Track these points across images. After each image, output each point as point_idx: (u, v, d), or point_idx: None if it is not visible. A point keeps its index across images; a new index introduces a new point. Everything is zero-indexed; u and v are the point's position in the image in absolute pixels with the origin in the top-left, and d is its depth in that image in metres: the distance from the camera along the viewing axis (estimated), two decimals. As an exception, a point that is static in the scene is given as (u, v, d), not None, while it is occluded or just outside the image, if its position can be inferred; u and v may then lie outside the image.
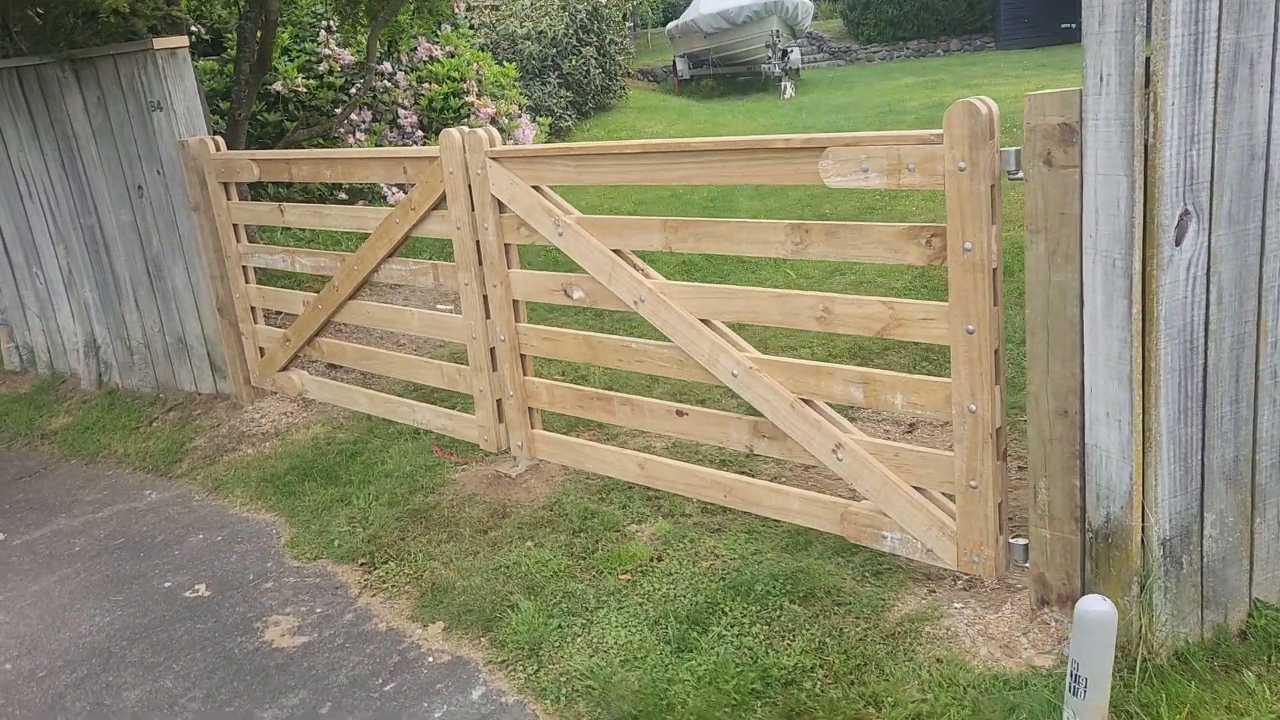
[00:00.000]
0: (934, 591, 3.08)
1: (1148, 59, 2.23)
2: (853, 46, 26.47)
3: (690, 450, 4.28)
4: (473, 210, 3.96)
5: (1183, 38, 2.22)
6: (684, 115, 14.50)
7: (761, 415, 3.28)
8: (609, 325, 6.01)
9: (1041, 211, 2.50)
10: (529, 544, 3.76)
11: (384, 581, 3.70)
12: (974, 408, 2.76)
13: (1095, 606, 2.26)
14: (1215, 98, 2.29)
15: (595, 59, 13.01)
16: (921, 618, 2.94)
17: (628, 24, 14.77)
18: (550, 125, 11.26)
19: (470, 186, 3.92)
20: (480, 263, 4.02)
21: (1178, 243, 2.34)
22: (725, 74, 19.97)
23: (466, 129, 3.89)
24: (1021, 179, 2.58)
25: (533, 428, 4.17)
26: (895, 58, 26.13)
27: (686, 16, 20.06)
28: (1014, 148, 2.59)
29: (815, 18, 22.35)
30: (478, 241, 4.00)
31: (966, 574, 3.06)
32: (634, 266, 3.52)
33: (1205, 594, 2.60)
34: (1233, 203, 2.38)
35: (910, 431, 4.28)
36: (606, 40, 13.40)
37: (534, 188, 3.71)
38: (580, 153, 3.49)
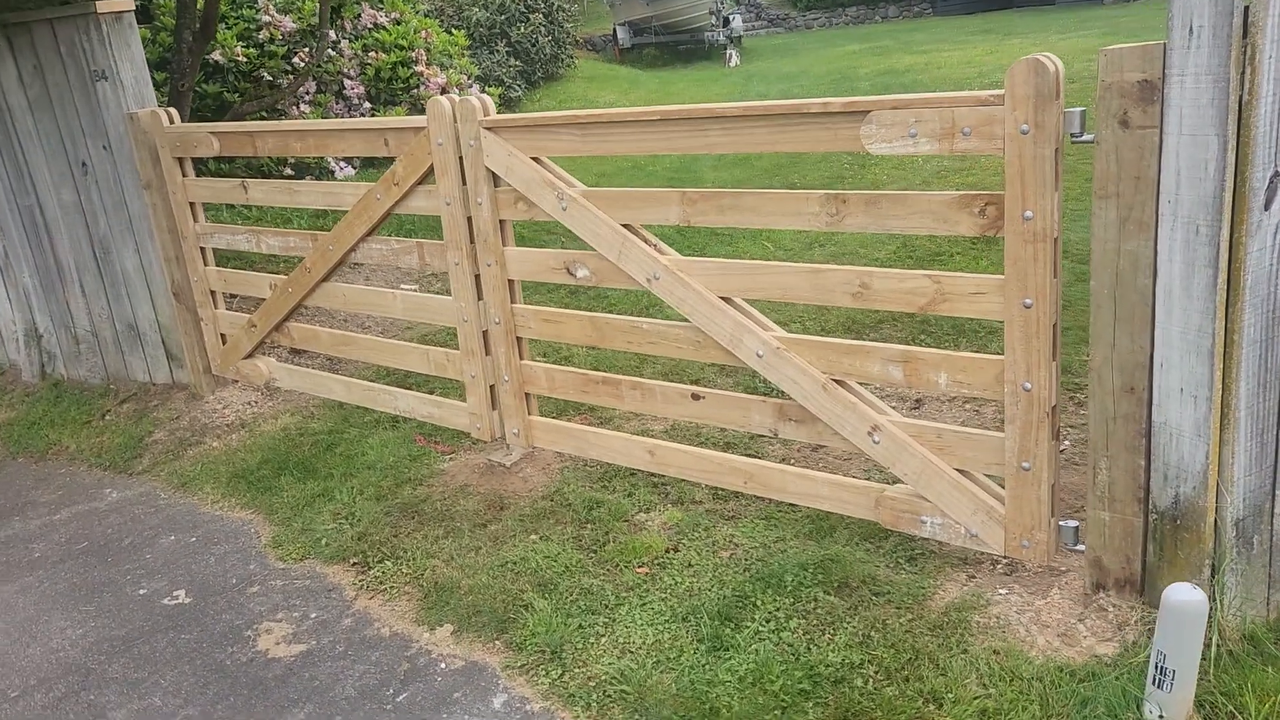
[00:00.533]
0: (974, 578, 2.94)
1: (1246, 8, 2.07)
2: (791, 14, 26.35)
3: (689, 434, 4.09)
4: (464, 184, 3.70)
5: (1280, -14, 2.06)
6: (635, 84, 14.22)
7: (788, 397, 3.10)
8: (608, 309, 5.79)
9: (1114, 175, 2.34)
10: (534, 537, 3.55)
11: (381, 582, 3.46)
12: (1029, 385, 2.62)
13: (1186, 595, 2.13)
14: (1308, 52, 2.14)
15: (544, 26, 12.65)
16: (967, 606, 2.80)
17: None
18: (500, 96, 10.90)
19: (462, 159, 3.65)
20: (472, 240, 3.77)
21: (1266, 207, 2.20)
22: (667, 42, 19.68)
23: (456, 97, 3.62)
24: (1086, 141, 2.42)
25: (530, 414, 3.94)
26: (835, 24, 26.08)
27: (628, -17, 19.70)
28: (1078, 108, 2.43)
29: (756, -15, 22.13)
30: (469, 218, 3.74)
31: (1009, 558, 2.93)
32: (646, 242, 3.30)
33: (1273, 573, 2.50)
34: (1317, 164, 2.24)
35: (917, 409, 4.15)
36: (555, 7, 13.04)
37: (533, 159, 3.47)
38: (588, 121, 3.25)
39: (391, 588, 3.42)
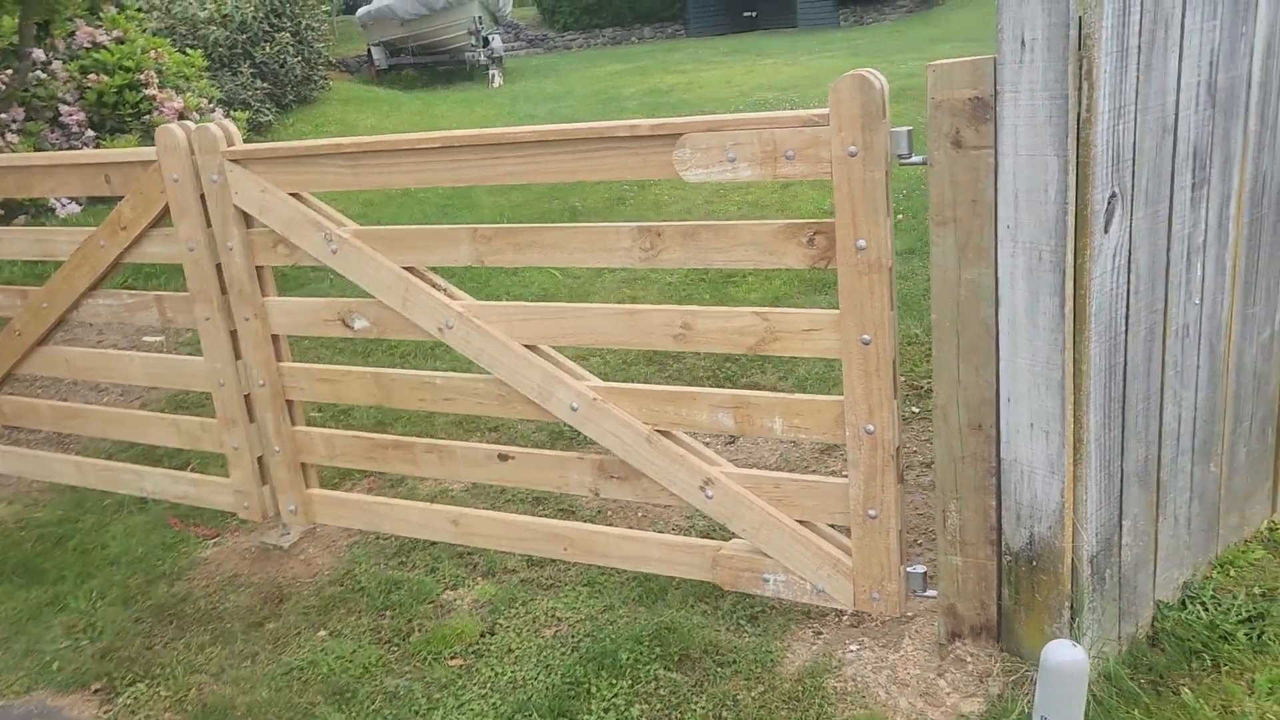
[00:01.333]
0: (821, 633, 2.73)
1: (1080, 19, 1.95)
2: (549, 34, 26.34)
3: (492, 495, 3.69)
4: (209, 226, 3.15)
5: (1113, -4, 1.95)
6: (396, 107, 13.56)
7: (610, 453, 2.79)
8: (402, 361, 5.27)
9: (950, 200, 2.18)
10: (323, 634, 3.04)
11: (134, 712, 2.85)
12: (871, 428, 2.42)
13: (1067, 655, 1.97)
14: (1139, 64, 2.05)
15: (292, 46, 11.80)
16: (820, 670, 2.57)
17: (325, 8, 13.55)
18: (248, 120, 10.04)
19: (204, 196, 3.10)
20: (224, 291, 3.22)
21: (1106, 229, 2.09)
22: (426, 63, 19.05)
23: (193, 124, 3.08)
24: (916, 163, 2.25)
25: (308, 487, 3.42)
26: (593, 45, 26.29)
27: (380, 2, 18.92)
28: (905, 127, 2.25)
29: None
30: (219, 265, 3.19)
31: (860, 612, 2.73)
32: (434, 286, 2.89)
33: (1122, 607, 2.42)
34: (1149, 182, 2.17)
35: (731, 444, 3.94)
36: (303, 26, 12.20)
37: (294, 195, 2.98)
38: (359, 150, 2.81)
39: (148, 717, 2.82)
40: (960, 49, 14.47)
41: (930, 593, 2.56)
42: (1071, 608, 2.29)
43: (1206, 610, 2.53)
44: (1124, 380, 2.24)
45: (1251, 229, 2.52)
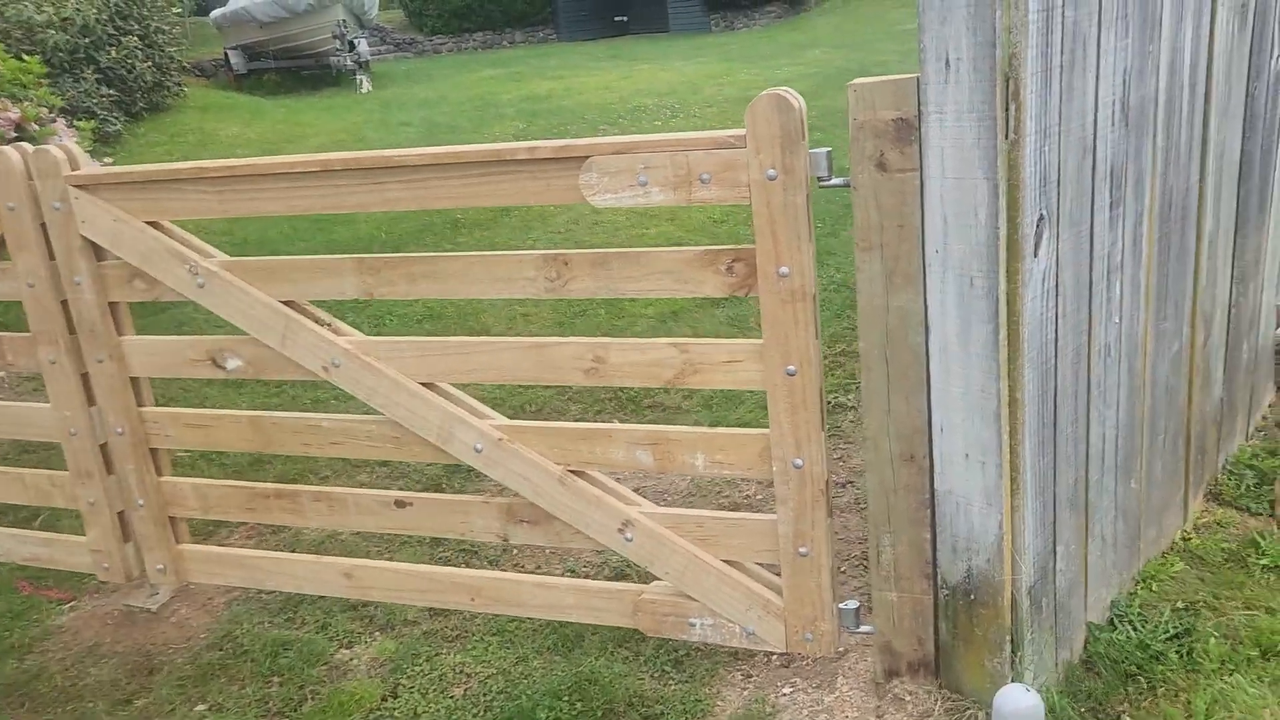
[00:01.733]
0: (750, 676, 2.60)
1: (1005, 39, 1.86)
2: (417, 38, 25.76)
3: (387, 537, 3.44)
4: (52, 259, 2.81)
5: (1037, 13, 1.87)
6: (259, 114, 12.94)
7: (518, 495, 2.59)
8: (287, 402, 4.89)
9: (876, 224, 2.07)
10: (202, 708, 2.76)
11: (-18, 817, 2.51)
12: (800, 461, 2.30)
13: (1022, 701, 1.88)
14: (1061, 84, 1.99)
15: (141, 50, 11.09)
16: (754, 717, 2.44)
17: (176, 9, 12.80)
18: (94, 130, 9.36)
19: (45, 226, 2.77)
20: (73, 330, 2.88)
21: (1035, 253, 2.01)
22: (288, 67, 18.30)
23: (30, 146, 2.74)
24: (837, 186, 2.14)
25: (178, 542, 3.10)
26: (463, 49, 25.83)
27: (236, 4, 18.06)
28: (823, 149, 2.14)
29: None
30: (65, 302, 2.86)
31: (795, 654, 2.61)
32: (318, 321, 2.64)
33: (1058, 634, 2.36)
34: (1072, 203, 2.11)
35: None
36: (152, 29, 11.49)
37: (151, 224, 2.68)
38: (225, 174, 2.53)
39: (-1, 822, 2.49)
40: (829, 54, 14.73)
41: (865, 628, 2.45)
42: (1012, 641, 2.22)
43: (1135, 629, 2.51)
44: (1054, 405, 2.18)
45: (1161, 245, 2.51)
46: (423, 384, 2.59)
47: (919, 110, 1.97)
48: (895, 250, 2.08)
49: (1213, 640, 2.44)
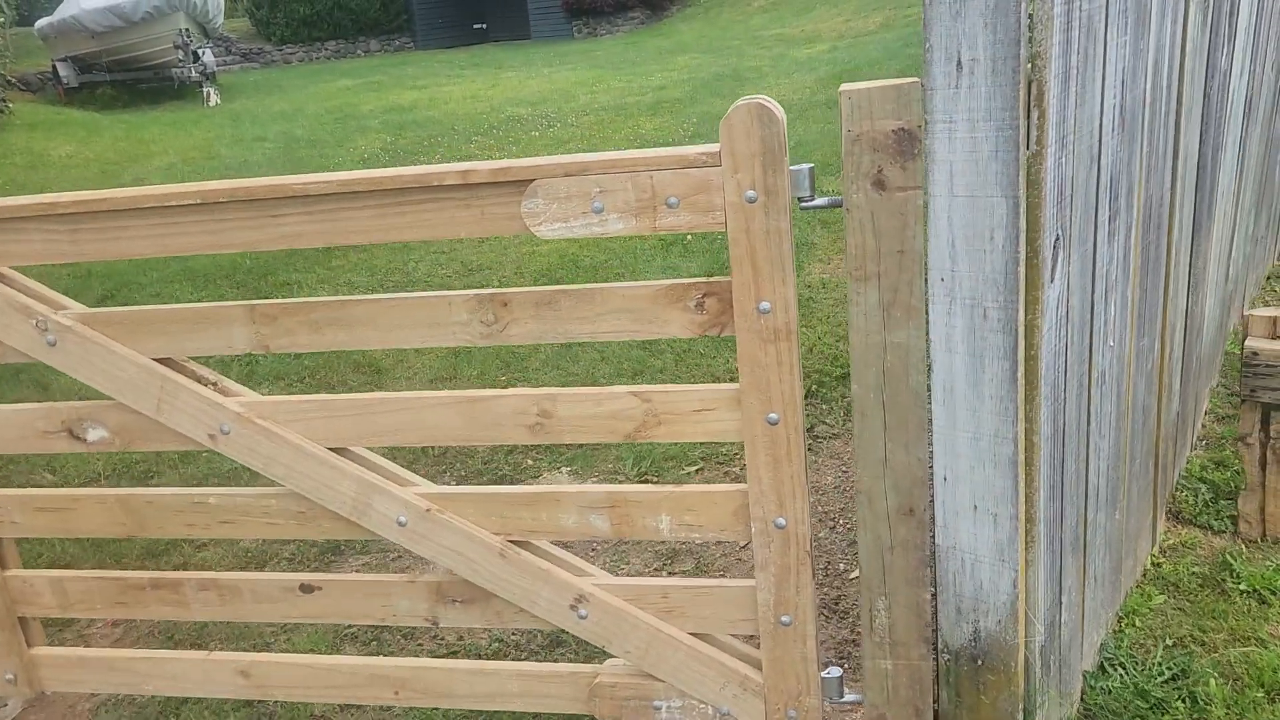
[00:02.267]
0: (724, 755, 2.31)
1: (1029, 35, 1.63)
2: (266, 48, 24.67)
3: (285, 633, 3.00)
4: None
5: (1061, 5, 1.65)
6: (95, 132, 11.95)
7: (451, 573, 2.23)
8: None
9: (873, 251, 1.81)
10: None
11: None
12: (783, 521, 2.02)
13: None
14: (1077, 87, 1.77)
15: (-44, 63, 10.06)
16: (734, 806, 2.15)
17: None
18: (-95, 151, 8.39)
19: None
20: (-114, 402, 2.36)
21: (1052, 278, 1.79)
22: (125, 80, 17.10)
23: None
24: (819, 207, 1.88)
25: (31, 646, 2.60)
26: (315, 59, 24.89)
27: (64, 12, 16.78)
28: (805, 165, 1.87)
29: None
30: (-125, 367, 2.33)
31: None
32: (201, 381, 2.22)
33: (1063, 690, 2.16)
34: (1081, 218, 1.90)
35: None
36: (-32, 39, 10.45)
37: (-17, 270, 2.21)
38: (77, 209, 2.08)
39: None
40: (699, 59, 14.68)
41: (850, 697, 2.19)
42: (1025, 710, 1.99)
43: (1128, 673, 2.33)
44: (1063, 444, 1.97)
45: (1144, 257, 2.35)
46: (332, 449, 2.20)
47: (924, 119, 1.72)
48: (894, 280, 1.82)
49: (1213, 682, 2.28)
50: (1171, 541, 2.83)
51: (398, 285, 6.06)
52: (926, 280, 1.81)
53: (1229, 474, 3.03)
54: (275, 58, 24.36)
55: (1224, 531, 2.85)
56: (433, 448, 4.01)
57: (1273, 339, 2.59)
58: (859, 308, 1.86)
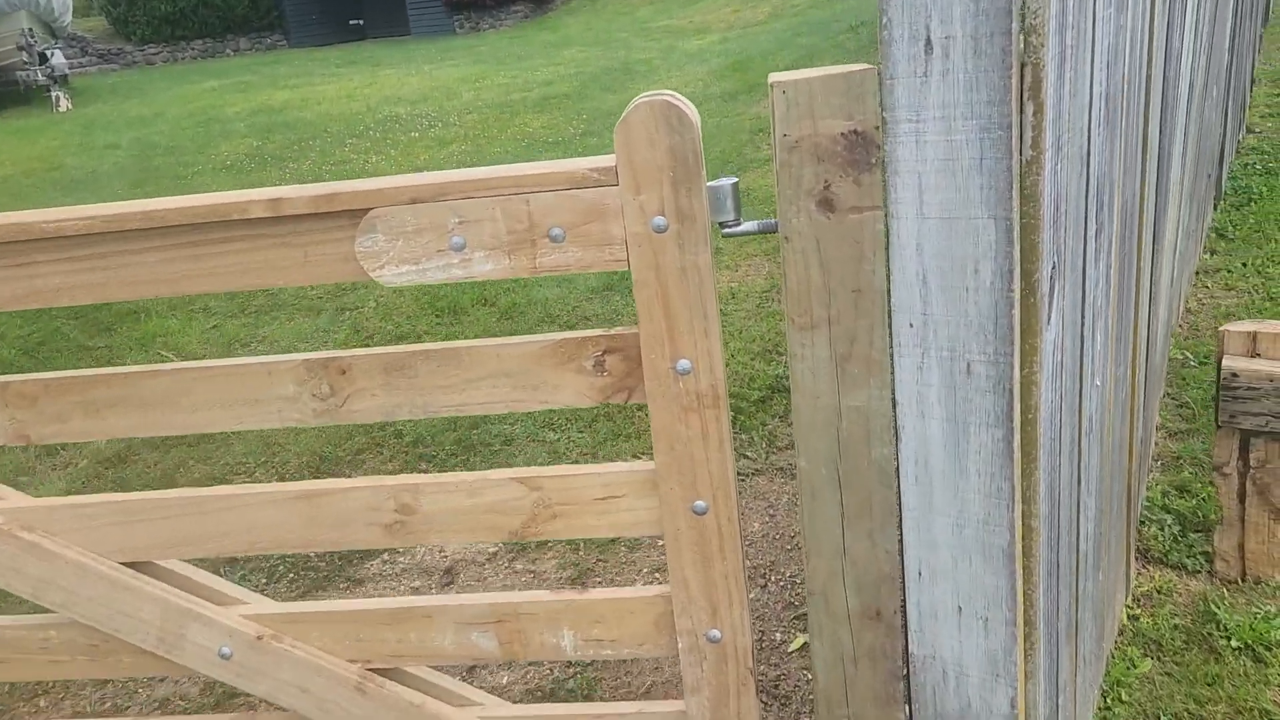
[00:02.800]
0: None
1: (1024, 6, 1.22)
2: (125, 48, 23.26)
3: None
4: None
5: (1055, -29, 1.25)
6: (-79, 143, 10.85)
7: (284, 711, 1.74)
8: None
9: (819, 290, 1.39)
10: None
11: None
12: (718, 633, 1.59)
13: None
14: (1071, 73, 1.38)
15: None
16: None
17: None
18: None
19: None
20: None
21: (1049, 319, 1.40)
22: (-36, 85, 15.76)
23: None
24: (748, 233, 1.45)
25: None
26: (180, 59, 23.62)
27: (-110, 12, 15.35)
28: (726, 180, 1.43)
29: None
30: None
31: None
32: (-60, 485, 1.67)
33: (1058, 800, 1.79)
34: (1072, 237, 1.52)
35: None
36: None
37: None
38: None
39: None
40: (586, 52, 14.20)
41: (804, 831, 1.78)
42: (1023, 846, 1.61)
43: (1124, 763, 1.98)
44: (1058, 519, 1.59)
45: (1121, 273, 1.99)
46: (127, 563, 1.68)
47: (883, 118, 1.31)
48: (850, 327, 1.41)
49: (1222, 768, 1.95)
50: (1145, 587, 2.51)
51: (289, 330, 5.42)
52: (891, 327, 1.40)
53: (1194, 501, 2.74)
54: (137, 58, 22.98)
55: (1199, 571, 2.54)
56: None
57: (1252, 356, 2.28)
58: (804, 363, 1.44)
